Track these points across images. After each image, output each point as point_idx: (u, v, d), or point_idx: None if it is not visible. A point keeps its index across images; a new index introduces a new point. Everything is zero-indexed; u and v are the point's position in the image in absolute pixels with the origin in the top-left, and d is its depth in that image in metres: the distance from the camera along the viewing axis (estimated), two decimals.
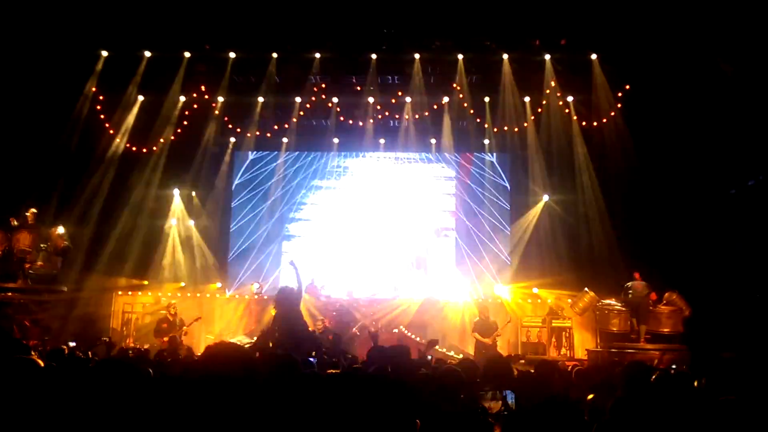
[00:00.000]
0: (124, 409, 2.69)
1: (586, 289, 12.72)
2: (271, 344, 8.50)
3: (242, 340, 12.77)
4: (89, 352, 9.50)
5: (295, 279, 9.12)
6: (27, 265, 11.70)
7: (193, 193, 15.71)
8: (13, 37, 12.08)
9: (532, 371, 5.68)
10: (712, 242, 12.74)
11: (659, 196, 13.25)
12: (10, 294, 11.57)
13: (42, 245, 11.83)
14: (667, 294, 12.02)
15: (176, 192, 15.48)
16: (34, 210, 11.82)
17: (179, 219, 15.46)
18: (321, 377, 3.84)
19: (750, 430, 2.95)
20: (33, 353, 7.29)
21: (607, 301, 12.47)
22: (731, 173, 13.11)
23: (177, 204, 15.48)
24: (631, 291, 12.27)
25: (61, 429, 2.68)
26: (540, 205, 15.18)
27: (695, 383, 4.28)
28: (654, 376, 4.27)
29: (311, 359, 6.78)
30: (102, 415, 2.64)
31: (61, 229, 12.01)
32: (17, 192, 11.89)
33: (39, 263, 11.83)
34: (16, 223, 11.62)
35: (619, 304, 12.32)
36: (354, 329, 13.17)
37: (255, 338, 12.06)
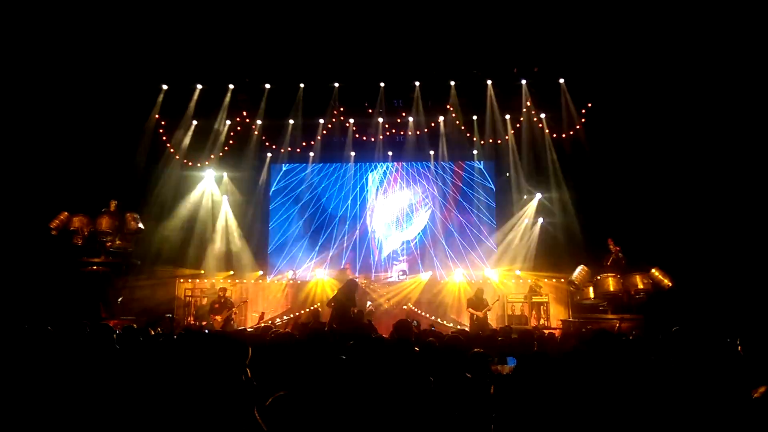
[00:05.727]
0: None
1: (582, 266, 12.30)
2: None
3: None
4: (158, 328, 9.69)
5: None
6: (108, 244, 11.95)
7: (239, 199, 15.76)
8: (99, 78, 12.52)
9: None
10: (657, 230, 12.42)
11: (615, 192, 13.10)
12: (95, 267, 11.84)
13: (119, 228, 12.06)
14: (652, 270, 11.59)
15: (225, 198, 15.63)
16: (115, 201, 12.13)
17: (228, 220, 15.53)
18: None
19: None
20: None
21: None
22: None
23: (226, 207, 15.59)
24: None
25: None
26: (520, 203, 15.22)
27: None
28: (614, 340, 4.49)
29: None
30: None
31: (135, 215, 12.19)
32: (100, 196, 12.18)
33: (117, 242, 12.03)
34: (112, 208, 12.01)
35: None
36: (370, 306, 13.27)
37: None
